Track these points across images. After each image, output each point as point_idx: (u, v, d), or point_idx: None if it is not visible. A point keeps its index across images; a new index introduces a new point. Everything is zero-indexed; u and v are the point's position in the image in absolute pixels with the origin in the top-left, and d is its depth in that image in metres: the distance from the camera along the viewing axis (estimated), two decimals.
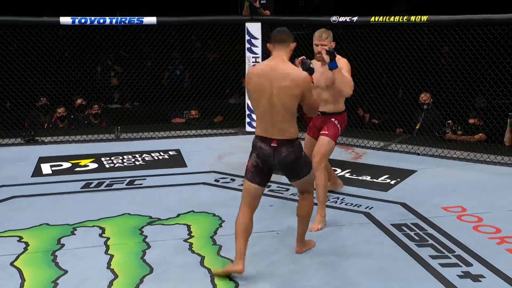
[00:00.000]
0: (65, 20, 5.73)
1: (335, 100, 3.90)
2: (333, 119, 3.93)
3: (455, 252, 3.37)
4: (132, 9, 8.08)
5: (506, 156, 5.04)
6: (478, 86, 5.34)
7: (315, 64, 3.67)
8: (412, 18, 5.10)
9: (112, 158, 5.40)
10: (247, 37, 6.06)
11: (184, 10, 8.70)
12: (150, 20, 5.87)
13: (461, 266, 3.20)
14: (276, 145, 3.03)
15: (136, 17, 5.83)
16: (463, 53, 5.37)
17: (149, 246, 3.49)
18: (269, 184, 4.60)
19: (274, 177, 4.74)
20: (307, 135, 4.13)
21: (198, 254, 3.39)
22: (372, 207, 4.09)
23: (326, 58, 3.63)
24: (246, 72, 3.12)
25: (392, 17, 5.26)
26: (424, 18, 5.02)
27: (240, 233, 3.11)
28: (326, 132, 3.89)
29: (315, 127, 4.07)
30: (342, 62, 3.78)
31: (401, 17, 5.23)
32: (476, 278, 3.07)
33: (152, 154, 5.53)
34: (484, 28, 4.96)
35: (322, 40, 3.73)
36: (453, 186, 4.49)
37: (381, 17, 5.25)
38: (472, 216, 3.89)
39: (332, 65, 3.63)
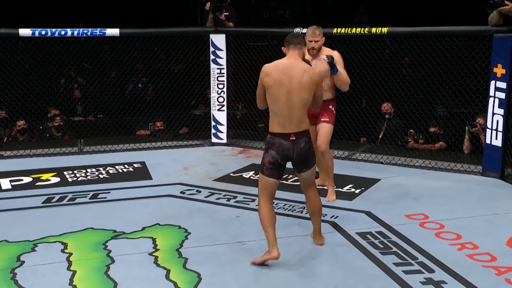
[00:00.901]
0: (25, 32, 5.62)
1: (330, 88, 4.34)
2: (330, 106, 4.36)
3: (418, 259, 3.44)
4: (96, 21, 7.98)
5: (465, 164, 5.18)
6: (437, 96, 5.48)
7: (308, 57, 4.16)
8: (373, 29, 5.22)
9: (75, 171, 5.30)
10: (211, 49, 6.06)
11: (149, 22, 8.66)
12: (113, 31, 5.81)
13: (424, 273, 3.26)
14: (294, 138, 3.28)
15: (99, 29, 5.76)
16: (423, 64, 5.51)
17: (113, 261, 3.43)
18: (235, 195, 4.63)
19: (239, 188, 4.79)
20: None
21: (164, 268, 3.35)
22: (337, 216, 4.13)
23: (327, 66, 4.10)
24: (262, 69, 3.35)
25: (354, 28, 5.37)
26: (385, 29, 5.14)
27: (269, 223, 3.33)
28: (327, 119, 4.34)
29: (311, 115, 4.30)
30: (335, 55, 4.24)
31: (362, 28, 5.34)
32: (438, 284, 3.14)
33: (116, 167, 5.46)
34: (442, 39, 5.11)
35: (316, 36, 4.17)
36: (416, 194, 4.59)
37: (343, 28, 5.35)
38: (434, 223, 3.98)
39: (334, 71, 4.14)
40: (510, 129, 4.81)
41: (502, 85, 4.73)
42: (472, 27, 4.87)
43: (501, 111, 4.77)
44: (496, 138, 4.84)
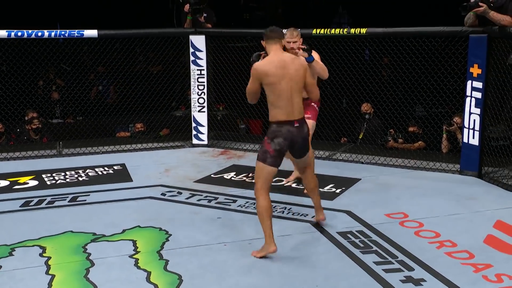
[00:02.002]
0: (0, 33, 5.54)
1: None
2: (313, 103, 4.48)
3: (398, 257, 3.47)
4: (74, 22, 7.89)
5: (444, 163, 5.24)
6: (416, 96, 5.54)
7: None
8: (352, 30, 5.26)
9: (54, 174, 5.23)
10: (191, 50, 6.04)
11: (128, 23, 8.59)
12: (91, 33, 5.75)
13: (404, 271, 3.29)
14: (298, 124, 3.45)
15: (77, 30, 5.70)
16: (401, 64, 5.57)
17: (92, 264, 3.40)
18: (216, 196, 4.62)
19: (220, 189, 4.79)
20: None
21: (144, 270, 3.33)
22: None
23: (304, 54, 4.09)
24: (257, 67, 3.44)
25: (333, 29, 5.40)
26: (363, 30, 5.18)
27: (268, 216, 3.40)
28: (309, 116, 4.43)
29: None
30: (313, 53, 4.32)
31: (341, 29, 5.38)
32: (417, 282, 3.17)
33: (96, 169, 5.40)
34: (419, 40, 5.17)
35: (294, 38, 4.28)
36: (396, 193, 4.63)
37: (323, 29, 5.38)
38: (414, 222, 4.02)
39: (310, 59, 4.12)
40: (486, 128, 4.89)
41: (478, 84, 4.80)
42: (449, 28, 4.94)
43: (478, 111, 4.84)
44: (473, 137, 4.91)
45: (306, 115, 4.49)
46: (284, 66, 3.41)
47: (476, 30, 4.79)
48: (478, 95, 4.82)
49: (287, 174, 5.10)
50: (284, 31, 5.38)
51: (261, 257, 3.44)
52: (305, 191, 4.04)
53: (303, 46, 4.13)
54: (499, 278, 3.19)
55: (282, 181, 4.94)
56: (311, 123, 4.49)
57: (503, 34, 4.60)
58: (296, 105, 3.44)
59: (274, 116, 3.44)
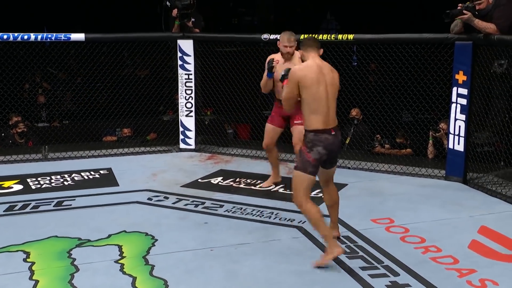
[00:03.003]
0: None
1: None
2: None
3: (383, 262, 3.49)
4: (61, 25, 7.85)
5: (430, 168, 5.28)
6: (402, 102, 5.59)
7: (280, 62, 4.47)
8: (340, 36, 5.30)
9: (39, 178, 5.18)
10: (179, 54, 6.03)
11: (116, 27, 8.56)
12: (78, 36, 5.73)
13: (389, 276, 3.31)
14: (334, 132, 3.45)
15: (64, 34, 5.67)
16: (388, 70, 5.62)
17: (77, 269, 3.37)
18: (203, 201, 4.62)
19: (207, 194, 4.78)
20: (270, 125, 4.68)
21: (130, 275, 3.31)
22: (305, 221, 4.14)
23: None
24: (295, 70, 3.48)
25: (321, 35, 5.43)
26: (351, 36, 5.22)
27: (323, 220, 3.43)
28: (300, 121, 4.46)
29: (281, 118, 4.66)
30: (297, 56, 4.40)
31: (329, 35, 5.42)
32: (402, 287, 3.19)
33: (82, 174, 5.37)
34: (406, 46, 5.22)
35: (291, 42, 4.43)
36: (382, 199, 4.66)
37: (311, 35, 5.40)
38: (399, 227, 4.05)
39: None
40: (471, 134, 4.94)
41: (464, 91, 4.86)
42: (435, 35, 4.99)
43: (463, 117, 4.89)
44: (459, 143, 4.96)
45: (296, 121, 4.58)
46: (322, 72, 3.44)
47: (461, 37, 4.85)
48: (463, 101, 4.87)
49: (267, 178, 5.11)
50: (273, 36, 5.47)
51: (327, 261, 3.40)
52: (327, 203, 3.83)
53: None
54: (483, 283, 3.22)
55: (270, 186, 4.95)
56: (302, 128, 4.48)
57: (488, 42, 4.66)
58: (331, 113, 3.45)
59: (312, 124, 3.42)
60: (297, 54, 4.46)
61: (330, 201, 3.73)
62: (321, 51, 3.58)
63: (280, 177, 4.93)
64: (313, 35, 5.38)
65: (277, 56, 4.58)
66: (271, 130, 4.70)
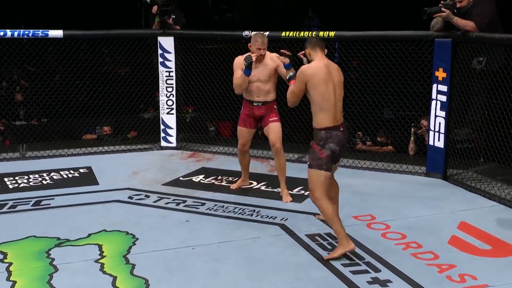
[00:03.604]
0: None
1: (273, 90, 4.59)
2: (274, 106, 4.59)
3: (365, 259, 3.52)
4: (39, 21, 7.74)
5: (410, 165, 5.34)
6: (383, 99, 5.64)
7: (254, 57, 4.39)
8: (321, 33, 5.32)
9: (17, 178, 5.11)
10: (159, 51, 6.00)
11: (96, 23, 8.48)
12: (56, 33, 5.66)
13: (370, 273, 3.34)
14: (342, 129, 3.57)
15: (41, 30, 5.60)
16: (369, 67, 5.66)
17: (56, 269, 3.34)
18: (184, 199, 4.60)
19: (189, 192, 4.77)
20: (243, 128, 4.63)
21: (110, 275, 3.29)
22: (287, 219, 4.17)
23: (285, 60, 4.11)
24: (305, 70, 3.52)
25: (302, 32, 5.45)
26: (332, 33, 5.25)
27: (338, 217, 3.53)
28: (276, 118, 4.56)
29: (253, 118, 4.61)
30: (275, 57, 4.45)
31: (310, 32, 5.43)
32: (384, 283, 3.22)
33: (61, 173, 5.31)
34: (386, 43, 5.26)
35: (264, 45, 4.44)
36: (363, 195, 4.69)
37: (292, 32, 5.42)
38: (381, 224, 4.08)
39: (288, 66, 4.13)
40: (451, 130, 5.00)
41: (444, 88, 4.92)
42: (415, 32, 5.04)
43: (443, 114, 4.95)
44: (439, 140, 5.02)
45: (271, 118, 4.57)
46: (329, 71, 3.53)
47: (441, 34, 4.91)
48: (443, 98, 4.93)
49: (258, 176, 5.13)
50: (247, 33, 5.45)
51: (339, 256, 3.48)
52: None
53: (288, 53, 4.08)
54: (462, 278, 3.27)
55: (251, 184, 4.96)
56: (278, 125, 4.56)
57: (467, 39, 4.73)
58: (339, 110, 3.55)
59: (321, 122, 3.50)
60: (267, 54, 4.49)
61: (332, 194, 3.77)
62: (326, 50, 3.67)
63: (248, 181, 4.91)
64: (295, 32, 5.41)
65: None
66: (245, 133, 4.64)
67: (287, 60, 4.07)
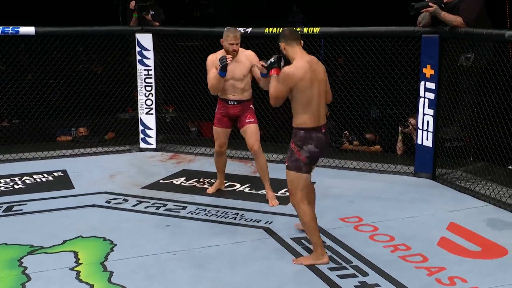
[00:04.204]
0: None
1: (249, 88, 4.55)
2: (251, 106, 4.57)
3: (352, 262, 3.54)
4: (9, 17, 7.63)
5: (398, 165, 5.39)
6: (370, 97, 5.68)
7: (229, 59, 4.33)
8: (305, 29, 5.33)
9: None
10: (137, 49, 5.96)
11: (70, 19, 8.39)
12: (28, 30, 5.59)
13: (358, 276, 3.36)
14: (324, 130, 3.47)
15: (11, 27, 5.53)
16: (355, 65, 5.69)
17: (29, 278, 3.30)
18: (165, 203, 4.58)
19: (169, 195, 4.75)
20: (219, 128, 4.58)
21: (87, 283, 3.27)
22: (271, 222, 4.18)
23: (263, 70, 3.90)
24: (292, 73, 3.36)
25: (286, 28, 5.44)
26: (316, 29, 5.27)
27: (316, 225, 3.46)
28: (252, 120, 4.53)
29: (228, 118, 4.57)
30: (251, 55, 4.46)
31: (295, 28, 5.43)
32: (372, 287, 3.24)
33: (34, 176, 5.25)
34: (373, 39, 5.30)
35: (237, 40, 4.37)
36: (350, 197, 4.72)
37: (275, 28, 5.43)
38: (368, 226, 4.11)
39: (265, 75, 4.05)
40: (440, 129, 5.05)
41: (431, 85, 4.96)
42: (402, 28, 5.08)
43: (431, 112, 5.00)
44: (427, 139, 5.06)
45: (248, 120, 4.52)
46: (313, 68, 3.42)
47: (428, 30, 4.95)
48: (431, 96, 4.98)
49: (241, 178, 5.12)
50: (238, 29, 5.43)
51: (308, 265, 3.42)
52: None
53: (264, 64, 3.75)
54: (452, 281, 3.31)
55: (235, 186, 4.95)
56: (255, 127, 4.53)
57: (454, 35, 4.78)
58: (322, 110, 3.46)
59: (303, 122, 3.41)
60: (241, 50, 4.46)
61: (310, 199, 3.71)
62: (302, 42, 3.55)
63: (224, 183, 4.87)
64: (279, 29, 5.41)
65: (219, 56, 4.42)
66: (222, 134, 4.60)
67: (264, 70, 3.91)
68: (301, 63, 3.41)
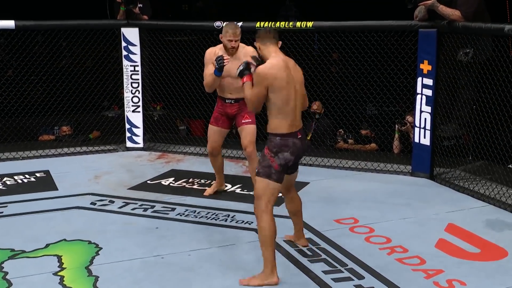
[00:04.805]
0: None
1: None
2: None
3: (347, 265, 3.55)
4: None
5: (395, 164, 5.41)
6: (366, 94, 5.70)
7: (226, 60, 4.20)
8: (298, 24, 5.34)
9: None
10: (123, 44, 5.95)
11: (52, 13, 8.34)
12: (7, 24, 5.56)
13: (354, 280, 3.37)
14: (300, 136, 3.37)
15: None
16: (350, 60, 5.70)
17: (10, 284, 3.29)
18: (152, 204, 4.57)
19: (157, 196, 4.74)
20: (214, 127, 4.54)
21: None
22: None
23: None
24: (265, 72, 3.24)
25: (278, 22, 5.46)
26: (310, 24, 5.28)
27: (272, 241, 3.30)
28: (249, 120, 4.48)
29: (226, 117, 4.53)
30: (250, 51, 4.29)
31: (287, 22, 5.45)
32: None
33: (15, 177, 5.23)
34: (368, 34, 5.31)
35: (237, 36, 4.31)
36: (345, 197, 4.74)
37: (267, 22, 5.43)
38: (364, 227, 4.13)
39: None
40: (438, 127, 5.08)
41: (429, 82, 4.99)
42: (398, 22, 5.10)
43: (429, 109, 5.03)
44: (425, 137, 5.09)
45: (245, 120, 4.48)
46: (289, 68, 3.32)
47: (425, 24, 4.98)
48: (429, 92, 5.00)
49: (232, 178, 5.12)
50: (218, 24, 5.43)
51: (256, 286, 3.27)
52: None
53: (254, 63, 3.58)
54: (450, 283, 3.33)
55: (226, 186, 4.95)
56: (252, 128, 4.48)
57: (453, 29, 4.80)
58: (298, 114, 3.36)
59: (278, 128, 3.30)
60: (242, 47, 4.41)
61: (293, 208, 3.70)
62: (280, 43, 3.43)
63: (224, 184, 4.87)
64: (271, 23, 5.42)
65: (218, 50, 4.41)
66: (216, 133, 4.57)
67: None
68: (275, 61, 3.30)
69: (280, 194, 3.53)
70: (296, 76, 3.36)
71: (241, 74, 3.43)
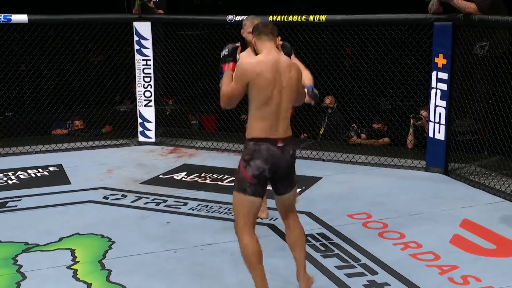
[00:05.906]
0: None
1: None
2: None
3: (360, 261, 3.54)
4: (1, 5, 7.65)
5: (409, 159, 5.38)
6: (379, 88, 5.67)
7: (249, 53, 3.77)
8: (311, 17, 5.32)
9: None
10: (135, 38, 5.97)
11: (66, 7, 8.39)
12: (21, 18, 5.60)
13: (367, 275, 3.36)
14: (282, 144, 2.93)
15: (3, 15, 5.53)
16: (363, 54, 5.67)
17: (24, 277, 3.32)
18: (165, 198, 4.59)
19: (170, 191, 4.76)
20: None
21: (84, 282, 3.28)
22: (276, 218, 4.17)
23: None
24: (246, 66, 2.92)
25: (291, 16, 5.44)
26: (323, 17, 5.25)
27: (257, 260, 2.95)
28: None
29: None
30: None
31: (299, 16, 5.43)
32: (381, 286, 3.24)
33: (29, 171, 5.27)
34: (382, 28, 5.28)
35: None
36: (358, 192, 4.72)
37: (280, 16, 5.41)
38: (377, 223, 4.11)
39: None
40: (452, 122, 5.04)
41: (444, 75, 4.95)
42: (412, 15, 5.06)
43: (443, 103, 4.99)
44: (439, 132, 5.05)
45: None
46: (278, 69, 2.93)
47: (440, 17, 4.93)
48: (444, 86, 4.96)
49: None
50: (239, 17, 5.42)
51: None
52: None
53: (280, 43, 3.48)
54: (465, 280, 3.31)
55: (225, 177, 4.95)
56: None
57: (468, 22, 4.76)
58: (282, 120, 2.93)
59: (253, 131, 2.92)
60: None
61: (290, 240, 3.14)
62: (279, 39, 3.22)
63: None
64: (283, 17, 5.39)
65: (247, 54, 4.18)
66: None
67: None
68: (263, 57, 2.96)
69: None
70: (286, 79, 2.95)
71: (223, 59, 3.06)
